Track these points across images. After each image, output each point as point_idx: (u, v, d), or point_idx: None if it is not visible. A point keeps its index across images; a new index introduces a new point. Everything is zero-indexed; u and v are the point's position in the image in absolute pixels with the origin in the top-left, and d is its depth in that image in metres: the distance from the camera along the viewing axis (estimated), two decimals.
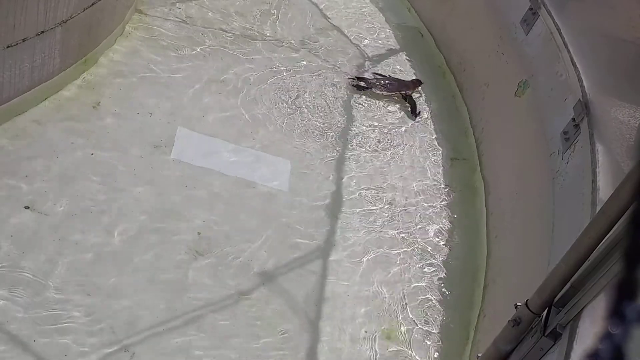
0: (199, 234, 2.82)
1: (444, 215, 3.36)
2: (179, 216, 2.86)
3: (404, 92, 4.01)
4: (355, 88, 3.96)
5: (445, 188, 3.52)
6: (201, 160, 3.16)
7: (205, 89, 3.58)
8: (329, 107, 3.77)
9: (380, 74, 4.12)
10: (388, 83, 4.04)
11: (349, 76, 4.02)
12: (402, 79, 4.13)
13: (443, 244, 3.21)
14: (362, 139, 3.64)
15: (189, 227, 2.83)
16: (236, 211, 3.00)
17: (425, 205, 3.38)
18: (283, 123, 3.54)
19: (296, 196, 3.18)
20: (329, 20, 4.48)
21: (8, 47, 2.67)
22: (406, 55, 4.40)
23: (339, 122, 3.69)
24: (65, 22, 2.97)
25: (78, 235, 2.62)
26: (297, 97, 3.74)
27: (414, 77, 4.15)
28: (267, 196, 3.12)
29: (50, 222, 2.61)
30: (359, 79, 4.01)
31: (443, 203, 3.42)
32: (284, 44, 4.10)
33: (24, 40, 2.75)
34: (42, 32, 2.84)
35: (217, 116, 3.46)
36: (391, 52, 4.43)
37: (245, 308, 2.63)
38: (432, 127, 3.89)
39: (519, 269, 2.77)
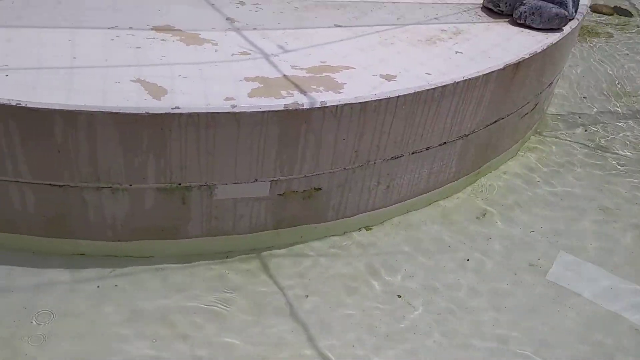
0: None
1: None
2: (545, 344, 2.67)
3: None
4: None
5: None
6: (580, 287, 2.94)
7: (588, 216, 3.36)
8: None
9: None
10: None
11: None
12: None
13: None
14: None
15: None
16: (610, 351, 2.65)
17: None
18: None
19: None
20: None
21: (413, 153, 3.00)
22: None
23: None
24: (466, 136, 3.19)
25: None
26: None
27: None
28: None
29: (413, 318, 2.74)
30: None
31: None
32: None
33: (427, 148, 3.05)
34: (445, 142, 3.11)
35: (599, 245, 3.19)
36: None
37: None
38: None
39: None
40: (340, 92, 2.62)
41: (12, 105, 2.27)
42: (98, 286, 2.61)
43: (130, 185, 2.54)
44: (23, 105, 2.27)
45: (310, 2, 3.38)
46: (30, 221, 2.61)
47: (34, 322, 2.44)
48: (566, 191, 3.59)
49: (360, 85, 2.69)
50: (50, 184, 2.50)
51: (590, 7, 4.32)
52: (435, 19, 3.43)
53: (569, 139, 4.05)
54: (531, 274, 3.01)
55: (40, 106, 2.28)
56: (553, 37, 3.40)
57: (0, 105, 2.26)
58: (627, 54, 5.25)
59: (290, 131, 2.57)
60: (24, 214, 2.59)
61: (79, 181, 2.50)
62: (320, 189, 2.85)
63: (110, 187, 2.53)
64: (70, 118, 2.32)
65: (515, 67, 3.13)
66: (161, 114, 2.37)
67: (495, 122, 3.33)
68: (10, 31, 2.68)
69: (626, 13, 6.01)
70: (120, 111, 2.33)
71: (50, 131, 2.34)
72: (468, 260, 3.05)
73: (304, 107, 2.53)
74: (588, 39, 5.40)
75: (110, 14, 2.95)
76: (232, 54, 2.78)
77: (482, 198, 3.45)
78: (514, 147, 3.79)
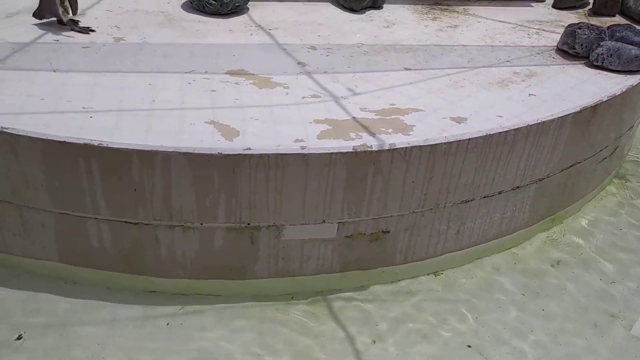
0: None
1: None
2: None
3: None
4: None
5: None
6: None
7: None
8: None
9: None
10: None
11: None
12: None
13: None
14: None
15: None
16: None
17: None
18: None
19: None
20: None
21: (484, 197, 2.93)
22: None
23: None
24: (541, 180, 3.09)
25: None
26: None
27: None
28: None
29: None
30: None
31: None
32: None
33: (499, 192, 2.97)
34: (518, 187, 3.01)
35: None
36: None
37: None
38: None
39: None
40: (409, 134, 2.61)
41: (94, 145, 2.38)
42: (167, 323, 2.65)
43: (201, 224, 2.60)
44: (104, 145, 2.38)
45: (380, 46, 3.42)
46: (106, 257, 2.71)
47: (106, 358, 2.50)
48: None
49: (429, 128, 2.67)
50: (125, 222, 2.59)
51: None
52: (508, 61, 3.38)
53: None
54: (613, 327, 2.83)
55: (120, 146, 2.39)
56: (633, 80, 3.27)
57: (84, 145, 2.39)
58: None
59: (358, 173, 2.57)
60: (101, 250, 2.69)
61: (152, 219, 2.58)
62: (388, 231, 2.82)
63: (182, 225, 2.60)
64: (147, 158, 2.41)
65: (593, 110, 3.03)
66: (233, 154, 2.42)
67: (571, 166, 3.21)
68: (96, 76, 2.84)
69: None
70: (194, 152, 2.40)
71: (128, 170, 2.44)
72: (543, 310, 2.91)
73: (373, 149, 2.53)
74: None
75: (188, 59, 3.08)
76: (303, 97, 2.83)
77: (557, 245, 3.30)
78: (592, 193, 3.63)
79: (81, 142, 2.39)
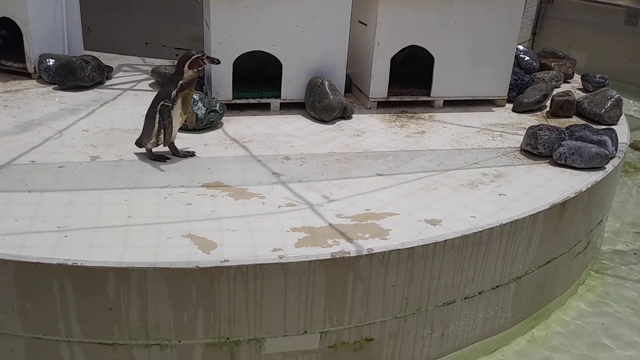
0: None
1: None
2: None
3: None
4: None
5: None
6: None
7: None
8: None
9: None
10: None
11: None
12: None
13: None
14: None
15: None
16: None
17: None
18: None
19: None
20: None
21: (466, 298, 2.91)
22: None
23: None
24: (519, 278, 3.10)
25: None
26: None
27: None
28: None
29: None
30: None
31: None
32: None
33: (480, 292, 2.96)
34: (498, 286, 3.01)
35: None
36: None
37: None
38: None
39: None
40: (386, 239, 2.63)
41: (68, 265, 2.34)
42: None
43: (179, 341, 2.51)
44: (79, 264, 2.34)
45: (351, 154, 3.52)
46: None
47: None
48: (634, 329, 3.36)
49: (406, 231, 2.70)
50: (100, 343, 2.49)
51: (630, 144, 4.35)
52: (476, 163, 3.49)
53: (625, 276, 3.88)
54: None
55: (94, 265, 2.35)
56: (597, 175, 3.39)
57: (58, 265, 2.34)
58: None
59: (338, 279, 2.55)
60: None
61: (128, 339, 2.49)
62: (371, 339, 2.75)
63: (159, 344, 2.51)
64: (123, 275, 2.36)
65: (562, 206, 3.11)
66: (210, 267, 2.40)
67: (548, 262, 3.24)
68: (72, 194, 2.85)
69: None
70: (171, 266, 2.37)
71: (103, 289, 2.38)
72: None
73: (351, 254, 2.53)
74: (634, 174, 5.37)
75: (164, 174, 3.11)
76: (279, 206, 2.86)
77: (542, 344, 3.26)
78: (572, 288, 3.64)
79: (54, 262, 2.34)
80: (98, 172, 3.08)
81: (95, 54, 4.80)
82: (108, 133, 3.61)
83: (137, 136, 3.30)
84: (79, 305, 2.42)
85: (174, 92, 3.15)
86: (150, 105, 3.23)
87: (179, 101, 3.17)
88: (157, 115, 3.14)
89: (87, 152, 3.33)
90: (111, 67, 4.64)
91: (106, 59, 4.83)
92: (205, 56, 3.18)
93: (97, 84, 4.39)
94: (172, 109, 3.14)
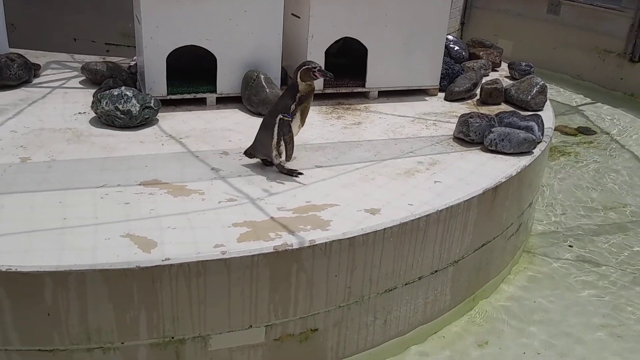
0: None
1: None
2: None
3: None
4: None
5: None
6: None
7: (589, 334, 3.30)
8: None
9: None
10: None
11: None
12: None
13: None
14: None
15: None
16: None
17: None
18: None
19: None
20: None
21: (406, 284, 2.99)
22: None
23: None
24: (457, 262, 3.21)
25: None
26: None
27: None
28: None
29: None
30: None
31: None
32: None
33: (419, 278, 3.05)
34: (436, 271, 3.11)
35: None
36: None
37: None
38: None
39: None
40: (327, 229, 2.67)
41: (2, 271, 2.26)
42: None
43: (122, 343, 2.48)
44: (13, 270, 2.27)
45: None
46: None
47: None
48: (564, 306, 3.55)
49: (346, 221, 2.75)
50: (39, 350, 2.43)
51: (554, 129, 4.55)
52: (411, 152, 3.58)
53: (554, 255, 4.08)
54: None
55: (30, 269, 2.28)
56: (525, 160, 3.55)
57: None
58: (598, 170, 5.46)
59: (282, 272, 2.57)
60: None
61: (69, 344, 2.43)
62: (316, 329, 2.79)
63: (102, 347, 2.46)
64: (61, 279, 2.31)
65: (494, 191, 3.24)
66: (151, 266, 2.37)
67: (483, 245, 3.37)
68: (3, 197, 2.74)
69: (589, 131, 6.33)
70: (111, 267, 2.33)
71: (41, 294, 2.32)
72: None
73: (294, 247, 2.55)
74: (559, 157, 5.63)
75: (99, 174, 3.04)
76: (219, 201, 2.85)
77: (480, 325, 3.39)
78: (506, 269, 3.80)
79: None
80: (29, 174, 2.98)
81: (21, 51, 4.61)
82: (38, 133, 3.49)
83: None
84: (15, 313, 2.34)
85: (293, 106, 3.06)
86: (267, 116, 3.13)
87: (298, 114, 3.09)
88: (276, 128, 3.05)
89: (16, 153, 3.21)
90: (39, 65, 4.48)
91: (33, 56, 4.66)
92: (318, 69, 3.06)
93: (24, 82, 4.23)
94: (291, 122, 3.06)
